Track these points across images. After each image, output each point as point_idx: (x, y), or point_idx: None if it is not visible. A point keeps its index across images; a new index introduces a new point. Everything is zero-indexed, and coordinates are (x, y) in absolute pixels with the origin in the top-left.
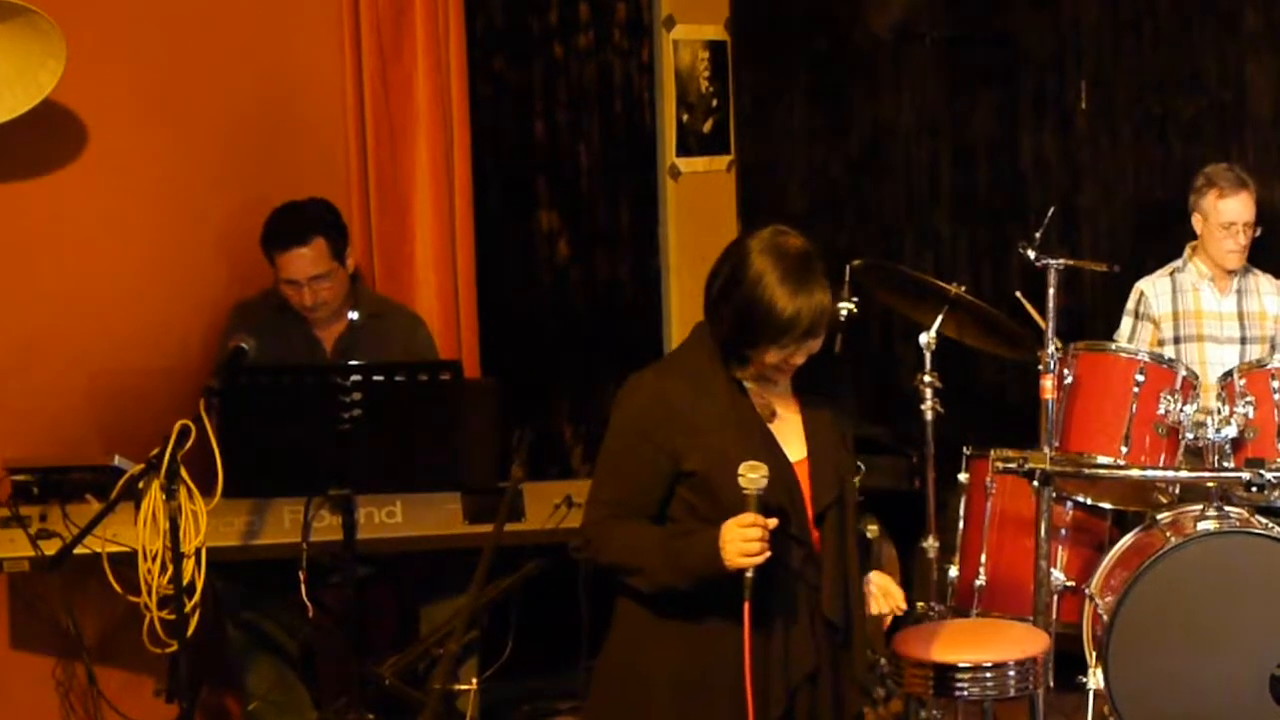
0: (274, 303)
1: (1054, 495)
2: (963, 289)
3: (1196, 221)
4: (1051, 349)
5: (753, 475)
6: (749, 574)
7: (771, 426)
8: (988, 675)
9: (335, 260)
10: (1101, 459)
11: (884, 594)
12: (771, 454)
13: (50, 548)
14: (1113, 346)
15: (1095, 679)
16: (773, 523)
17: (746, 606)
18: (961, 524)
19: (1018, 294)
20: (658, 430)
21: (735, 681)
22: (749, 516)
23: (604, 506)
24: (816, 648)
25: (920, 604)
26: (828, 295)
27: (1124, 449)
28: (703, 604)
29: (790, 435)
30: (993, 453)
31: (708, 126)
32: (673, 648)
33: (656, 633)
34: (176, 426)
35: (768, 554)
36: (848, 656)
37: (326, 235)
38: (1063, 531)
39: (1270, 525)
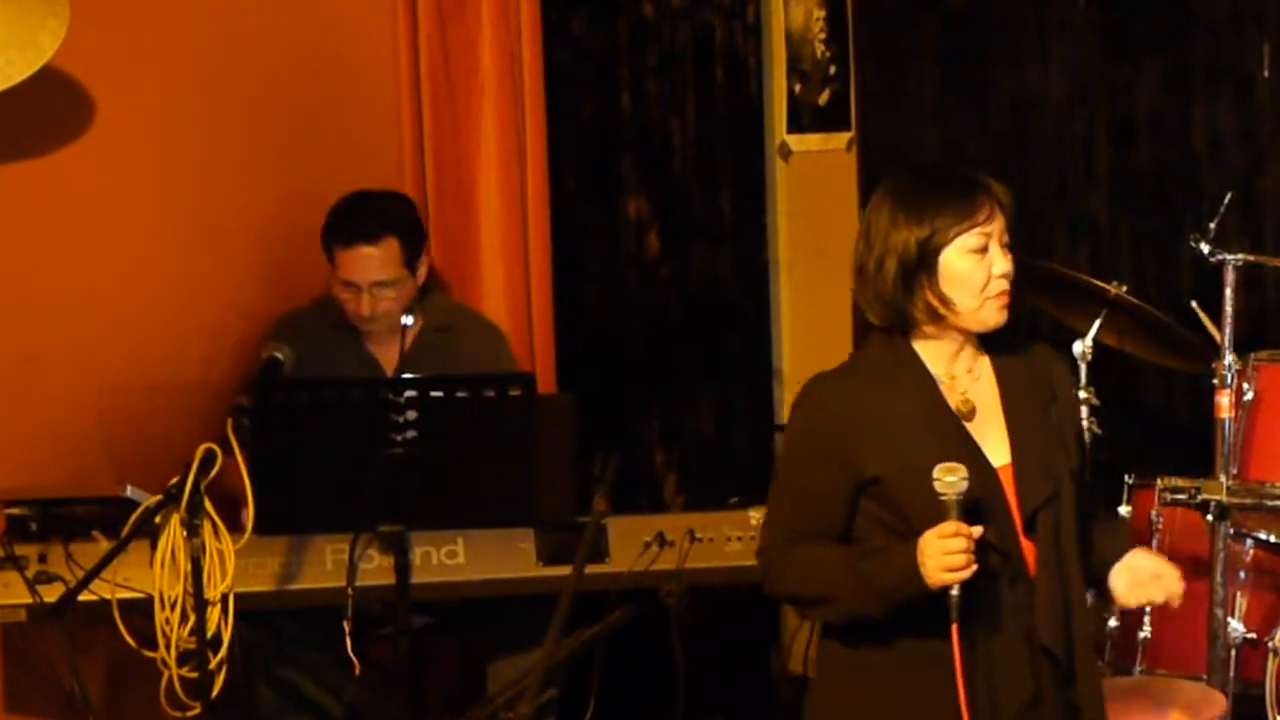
0: (330, 316)
1: (1231, 532)
2: (1124, 289)
3: None
4: (1228, 360)
5: (950, 478)
6: (954, 592)
7: (970, 426)
8: None
9: (405, 267)
10: None
11: (1154, 579)
12: (971, 458)
13: (51, 594)
14: None
15: None
16: (977, 531)
17: (954, 629)
18: None
19: (1193, 304)
20: (835, 435)
21: (947, 714)
22: (951, 525)
23: (780, 529)
24: (1034, 674)
25: None
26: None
27: None
28: (902, 630)
29: (992, 435)
30: (1159, 482)
31: (824, 98)
32: (875, 684)
33: (855, 670)
34: (200, 451)
35: (974, 568)
36: (1073, 685)
37: (401, 236)
38: (1242, 574)
39: None
